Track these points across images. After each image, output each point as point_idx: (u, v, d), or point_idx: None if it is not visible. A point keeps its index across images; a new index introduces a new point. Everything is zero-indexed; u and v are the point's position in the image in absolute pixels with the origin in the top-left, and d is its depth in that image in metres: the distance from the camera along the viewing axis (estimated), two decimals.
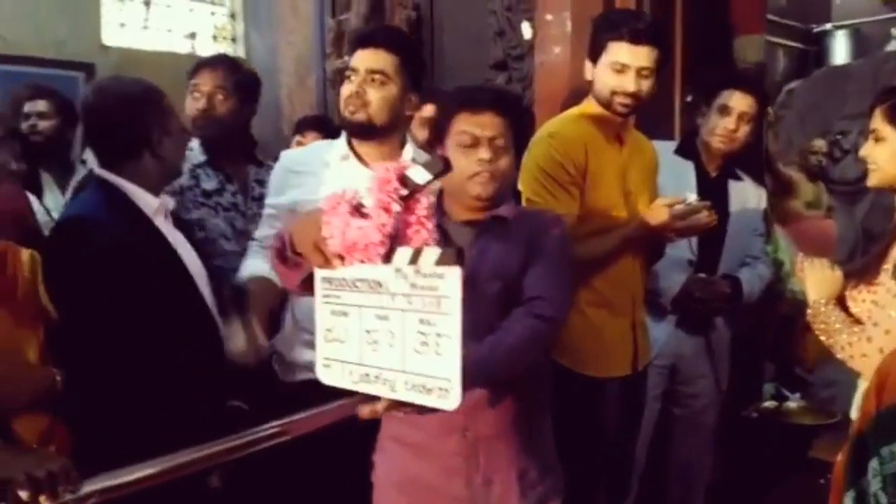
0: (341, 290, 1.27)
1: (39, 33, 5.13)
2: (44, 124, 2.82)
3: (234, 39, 6.04)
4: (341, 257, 1.22)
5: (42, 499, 1.25)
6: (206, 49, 5.91)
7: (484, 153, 1.53)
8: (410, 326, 1.18)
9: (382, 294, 1.21)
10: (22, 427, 1.46)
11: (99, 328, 1.55)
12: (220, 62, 2.47)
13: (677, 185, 2.30)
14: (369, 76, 1.90)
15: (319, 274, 1.30)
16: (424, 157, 1.97)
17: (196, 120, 2.37)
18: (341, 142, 2.02)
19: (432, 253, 1.16)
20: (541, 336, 1.48)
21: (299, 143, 3.07)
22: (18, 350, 1.49)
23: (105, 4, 5.52)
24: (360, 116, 1.91)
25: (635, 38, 1.96)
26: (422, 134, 2.68)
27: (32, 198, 2.52)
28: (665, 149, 2.45)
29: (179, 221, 1.91)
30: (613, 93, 2.01)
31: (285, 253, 1.33)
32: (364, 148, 1.98)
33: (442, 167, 1.21)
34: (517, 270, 1.54)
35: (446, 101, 1.69)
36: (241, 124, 2.47)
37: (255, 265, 1.96)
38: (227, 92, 2.37)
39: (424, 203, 1.22)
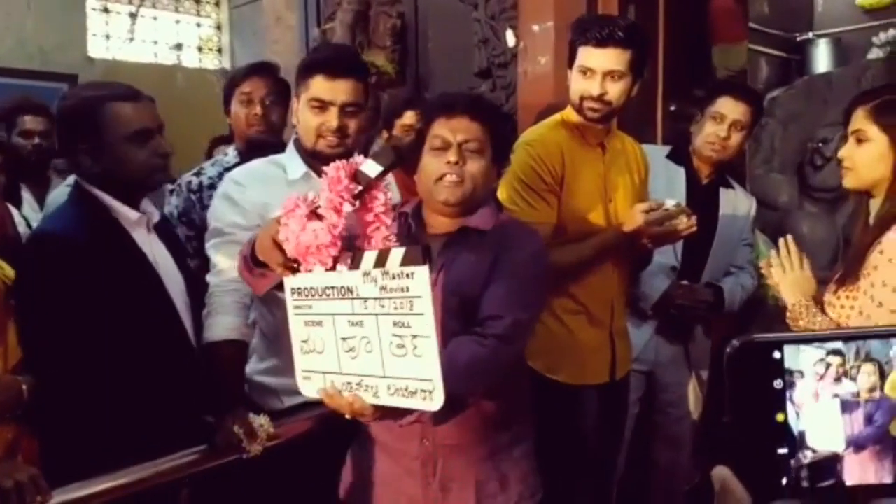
0: (312, 299, 1.25)
1: (24, 45, 5.13)
2: (36, 140, 2.82)
3: (219, 50, 6.05)
4: (297, 261, 1.20)
5: None
6: (192, 60, 5.92)
7: (451, 156, 1.51)
8: (385, 330, 1.17)
9: (354, 300, 1.20)
10: None
11: (68, 342, 1.53)
12: (268, 69, 2.53)
13: (667, 190, 2.29)
14: (347, 108, 1.79)
15: (289, 285, 1.28)
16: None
17: (253, 125, 2.43)
18: (294, 161, 1.89)
19: (398, 253, 1.15)
20: (495, 357, 1.41)
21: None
22: None
23: (91, 17, 5.52)
24: (340, 150, 1.79)
25: (600, 42, 1.94)
26: (405, 140, 2.70)
27: (12, 209, 2.49)
28: (657, 154, 2.45)
29: (167, 230, 1.88)
30: (582, 97, 2.00)
31: (250, 263, 1.31)
32: (324, 165, 1.90)
33: (392, 157, 1.19)
34: (479, 286, 1.47)
35: (426, 107, 1.69)
36: (280, 129, 2.53)
37: (229, 323, 1.75)
38: (275, 97, 2.45)
39: (381, 199, 1.21)
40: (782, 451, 0.57)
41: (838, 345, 0.57)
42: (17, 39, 5.11)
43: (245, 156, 2.41)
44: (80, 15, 5.43)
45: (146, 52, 5.82)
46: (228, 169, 2.37)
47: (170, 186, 2.49)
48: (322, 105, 1.79)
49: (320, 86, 1.79)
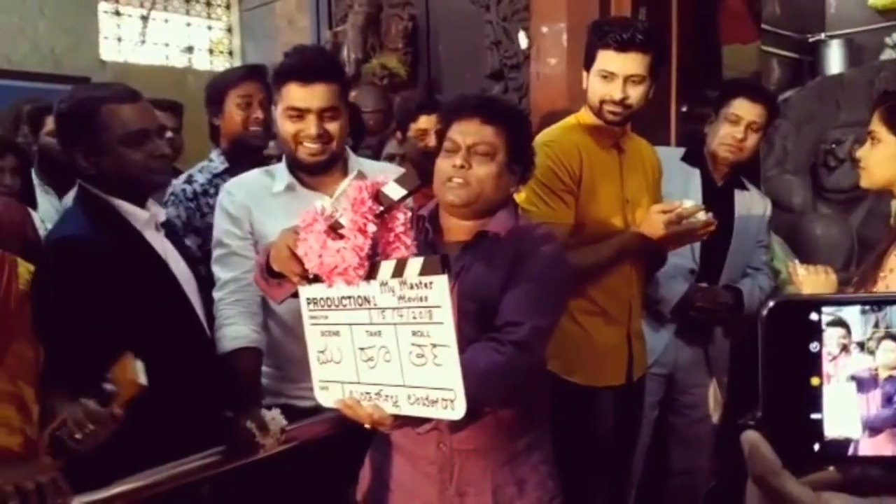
0: (328, 309, 1.25)
1: (37, 48, 5.16)
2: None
3: (230, 53, 6.07)
4: (319, 278, 1.21)
5: None
6: (203, 63, 5.95)
7: (457, 159, 1.50)
8: (404, 340, 1.17)
9: (372, 310, 1.19)
10: None
11: (92, 346, 1.53)
12: (264, 72, 2.46)
13: (683, 192, 2.29)
14: (325, 114, 1.78)
15: (304, 295, 1.28)
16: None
17: (254, 130, 2.39)
18: (282, 172, 1.88)
19: (416, 263, 1.14)
20: (513, 364, 1.39)
21: None
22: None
23: (102, 20, 5.55)
24: (324, 157, 1.81)
25: (622, 46, 1.94)
26: (420, 144, 2.69)
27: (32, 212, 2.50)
28: (672, 156, 2.44)
29: (171, 231, 1.89)
30: (602, 101, 2.00)
31: (265, 272, 1.32)
32: (310, 177, 1.86)
33: (417, 182, 1.18)
34: (497, 292, 1.46)
35: (443, 110, 1.69)
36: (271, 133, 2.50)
37: (236, 332, 1.77)
38: (269, 101, 2.39)
39: (401, 219, 1.20)
40: (816, 416, 0.55)
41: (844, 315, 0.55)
42: (31, 43, 5.14)
43: (232, 159, 2.37)
44: (91, 18, 5.46)
45: (157, 54, 5.85)
46: (217, 175, 2.35)
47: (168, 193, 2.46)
48: (299, 113, 1.77)
49: (295, 94, 1.77)
